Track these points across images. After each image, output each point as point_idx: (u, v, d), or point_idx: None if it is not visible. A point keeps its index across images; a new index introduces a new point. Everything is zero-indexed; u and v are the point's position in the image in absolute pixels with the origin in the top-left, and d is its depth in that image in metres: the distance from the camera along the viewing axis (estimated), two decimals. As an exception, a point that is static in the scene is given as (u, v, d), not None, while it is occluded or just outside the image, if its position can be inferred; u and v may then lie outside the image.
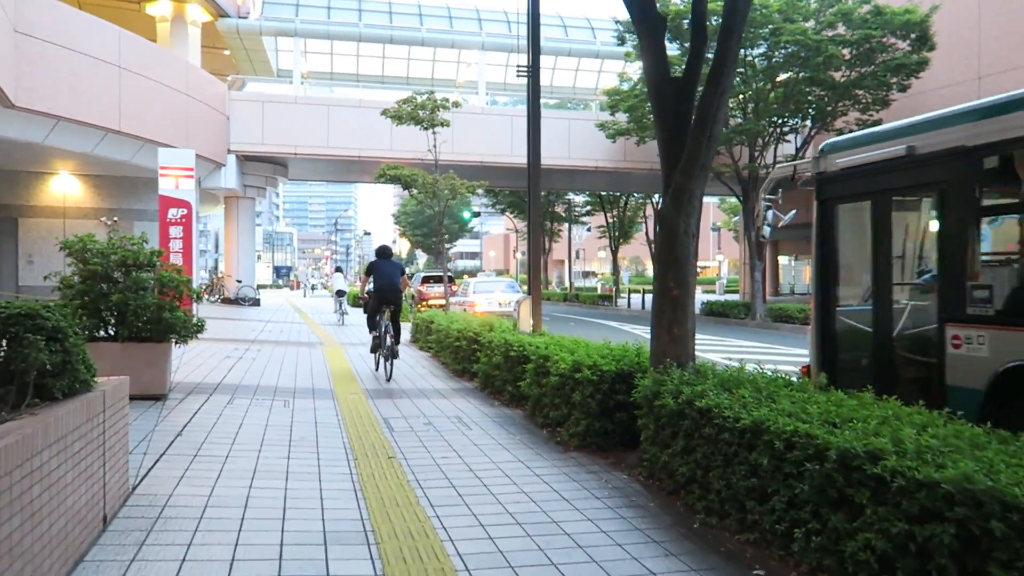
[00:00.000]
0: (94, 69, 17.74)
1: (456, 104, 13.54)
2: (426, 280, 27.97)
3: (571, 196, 44.21)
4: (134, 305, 6.62)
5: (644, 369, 5.70)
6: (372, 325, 10.21)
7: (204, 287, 29.34)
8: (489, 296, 18.58)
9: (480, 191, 13.34)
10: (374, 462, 5.16)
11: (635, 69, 26.58)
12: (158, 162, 14.48)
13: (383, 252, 10.54)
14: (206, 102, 22.99)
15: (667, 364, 4.94)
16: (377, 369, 9.98)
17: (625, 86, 25.24)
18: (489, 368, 8.38)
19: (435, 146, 13.37)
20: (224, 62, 29.03)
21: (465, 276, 28.97)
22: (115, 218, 23.30)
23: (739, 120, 22.89)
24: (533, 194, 9.32)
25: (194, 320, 7.31)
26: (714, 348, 14.44)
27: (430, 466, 5.12)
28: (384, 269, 10.09)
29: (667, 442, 4.56)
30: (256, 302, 27.08)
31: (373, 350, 10.19)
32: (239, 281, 26.92)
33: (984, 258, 5.06)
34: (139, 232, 23.08)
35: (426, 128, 13.16)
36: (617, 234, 44.45)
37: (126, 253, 6.97)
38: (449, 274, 35.34)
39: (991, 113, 4.80)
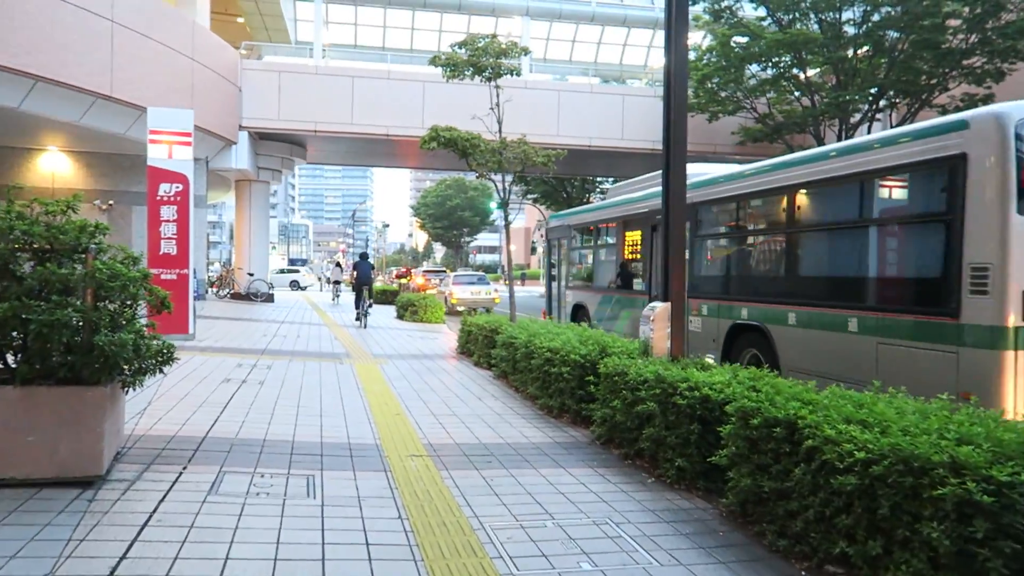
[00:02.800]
0: (81, 22, 14.85)
1: (525, 51, 10.49)
2: (425, 273, 37.40)
3: (607, 184, 41.04)
4: (38, 322, 3.63)
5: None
6: (357, 303, 16.66)
7: (214, 281, 26.57)
8: (463, 287, 24.27)
9: (548, 162, 10.21)
10: None
11: (698, 37, 23.42)
12: (147, 124, 11.56)
13: (363, 256, 18.15)
14: (215, 70, 20.09)
15: None
16: (357, 321, 16.32)
17: (691, 55, 22.02)
18: (626, 419, 5.36)
19: (499, 105, 10.34)
20: (237, 31, 26.14)
21: (447, 271, 41.45)
22: (111, 202, 20.51)
23: (823, 93, 19.67)
24: (676, 157, 6.29)
25: (156, 344, 4.31)
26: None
27: None
28: (362, 267, 17.21)
29: None
30: (269, 297, 24.23)
31: (357, 319, 16.38)
32: (251, 274, 24.07)
33: (575, 270, 13.82)
34: (136, 220, 20.12)
35: (490, 79, 10.13)
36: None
37: (32, 229, 3.97)
38: (443, 269, 44.05)
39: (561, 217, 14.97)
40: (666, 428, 4.84)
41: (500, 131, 10.27)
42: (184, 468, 4.48)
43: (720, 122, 23.17)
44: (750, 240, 8.50)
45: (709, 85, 21.07)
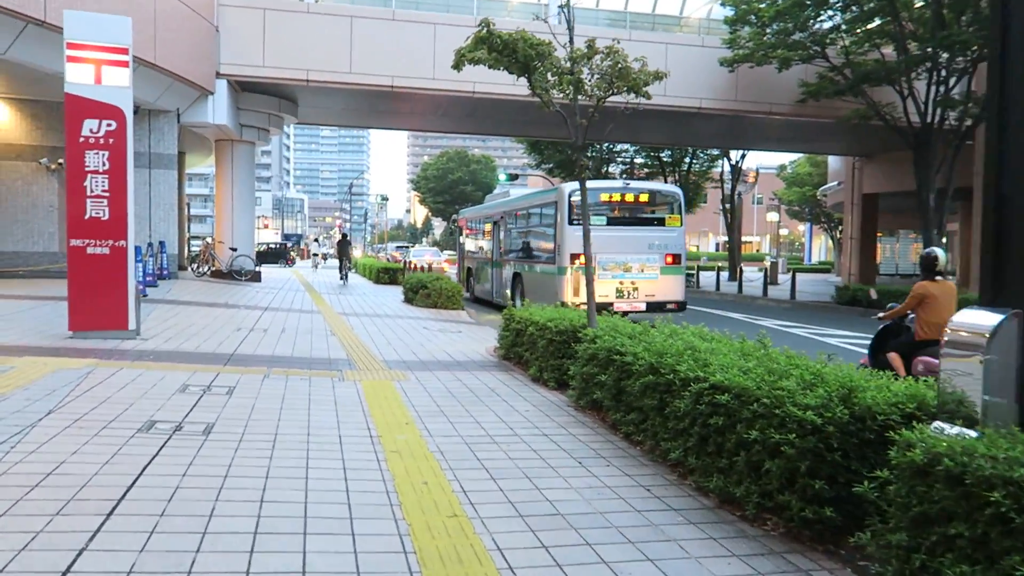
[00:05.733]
0: (0, -80, 11.45)
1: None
2: (399, 248, 51.84)
3: (629, 155, 37.67)
4: None
5: None
6: (340, 269, 24.38)
7: (195, 257, 23.28)
8: (420, 259, 32.10)
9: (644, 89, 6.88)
10: None
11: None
12: (64, 34, 8.21)
13: (344, 236, 27.55)
14: (185, 1, 16.63)
15: None
16: (340, 279, 23.57)
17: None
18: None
19: (568, 3, 7.04)
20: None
21: (409, 247, 52.09)
22: (60, 160, 17.09)
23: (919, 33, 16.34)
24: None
25: None
26: None
27: None
28: (343, 244, 25.73)
29: None
30: (255, 276, 20.94)
31: (341, 278, 23.76)
32: (233, 249, 20.74)
33: (466, 246, 21.90)
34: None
35: (562, -42, 6.84)
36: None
37: None
38: (407, 245, 54.07)
39: (463, 212, 23.95)
40: None
41: (572, 40, 6.94)
42: None
43: (779, 78, 19.88)
44: (519, 231, 16.31)
45: (774, 28, 17.72)
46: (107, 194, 8.20)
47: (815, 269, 49.16)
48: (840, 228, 52.46)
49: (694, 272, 29.29)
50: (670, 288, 13.48)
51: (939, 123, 16.79)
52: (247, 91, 20.37)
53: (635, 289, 13.18)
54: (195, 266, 22.04)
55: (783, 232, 65.40)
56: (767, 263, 31.52)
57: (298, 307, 14.02)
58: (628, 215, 13.81)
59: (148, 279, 14.90)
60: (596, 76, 6.62)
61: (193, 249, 29.63)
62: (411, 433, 5.02)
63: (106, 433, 4.47)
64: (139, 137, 17.46)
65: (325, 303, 15.38)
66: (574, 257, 12.82)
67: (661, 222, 13.82)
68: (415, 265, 27.63)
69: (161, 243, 17.48)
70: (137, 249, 13.81)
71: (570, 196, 13.08)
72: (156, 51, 15.16)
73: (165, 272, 17.43)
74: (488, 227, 18.71)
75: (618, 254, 13.04)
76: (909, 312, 6.44)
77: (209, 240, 23.46)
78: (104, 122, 8.15)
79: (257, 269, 21.46)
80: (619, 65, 6.36)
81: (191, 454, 4.17)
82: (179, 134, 18.56)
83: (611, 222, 13.43)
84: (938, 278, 6.33)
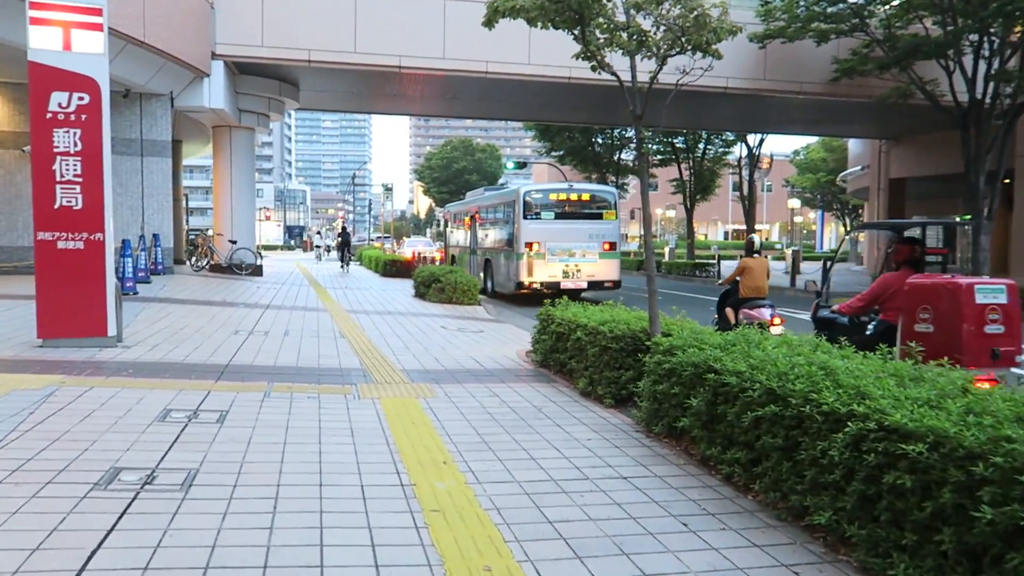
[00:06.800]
0: None
1: None
2: (380, 239, 53.54)
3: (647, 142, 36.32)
4: None
5: None
6: (341, 258, 27.40)
7: (192, 250, 22.11)
8: (414, 248, 32.94)
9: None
10: None
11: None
12: (26, -7, 7.03)
13: (344, 229, 30.28)
14: (177, -25, 15.41)
15: None
16: (342, 268, 25.71)
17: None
18: None
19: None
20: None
21: (401, 238, 56.04)
22: (45, 148, 15.89)
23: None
24: None
25: None
26: None
27: None
28: (344, 235, 28.61)
29: None
30: (257, 270, 19.81)
31: (342, 265, 26.39)
32: (233, 242, 19.58)
33: (450, 237, 24.87)
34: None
35: None
36: (693, 190, 37.19)
37: None
38: (389, 236, 55.47)
39: (448, 207, 27.92)
40: None
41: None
42: None
43: (810, 55, 18.67)
44: (489, 224, 18.97)
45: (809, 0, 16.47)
46: (80, 179, 7.04)
47: (829, 258, 48.00)
48: (856, 215, 51.21)
49: (715, 263, 28.07)
50: (607, 270, 16.23)
51: (992, 100, 15.56)
52: (245, 73, 19.17)
53: (578, 271, 15.90)
54: (193, 260, 20.92)
55: (796, 220, 64.04)
56: (788, 252, 30.30)
57: (302, 304, 12.88)
58: (573, 211, 16.49)
59: (140, 275, 13.77)
60: (663, 28, 5.42)
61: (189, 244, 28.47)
62: (453, 478, 3.88)
63: (51, 492, 3.34)
64: (131, 122, 16.30)
65: (331, 299, 14.24)
66: (528, 245, 15.80)
67: (600, 216, 16.64)
68: (416, 255, 27.93)
69: (155, 236, 16.33)
70: (126, 243, 12.70)
71: (525, 195, 16.26)
72: (146, 28, 13.96)
73: (159, 267, 16.28)
74: (467, 220, 21.33)
75: (564, 242, 15.89)
76: (737, 278, 8.64)
77: (209, 232, 22.30)
78: (75, 95, 6.98)
79: (259, 263, 20.32)
80: (694, 12, 5.17)
81: (162, 525, 3.04)
82: (174, 120, 17.39)
83: (559, 216, 16.28)
84: (755, 255, 8.72)
